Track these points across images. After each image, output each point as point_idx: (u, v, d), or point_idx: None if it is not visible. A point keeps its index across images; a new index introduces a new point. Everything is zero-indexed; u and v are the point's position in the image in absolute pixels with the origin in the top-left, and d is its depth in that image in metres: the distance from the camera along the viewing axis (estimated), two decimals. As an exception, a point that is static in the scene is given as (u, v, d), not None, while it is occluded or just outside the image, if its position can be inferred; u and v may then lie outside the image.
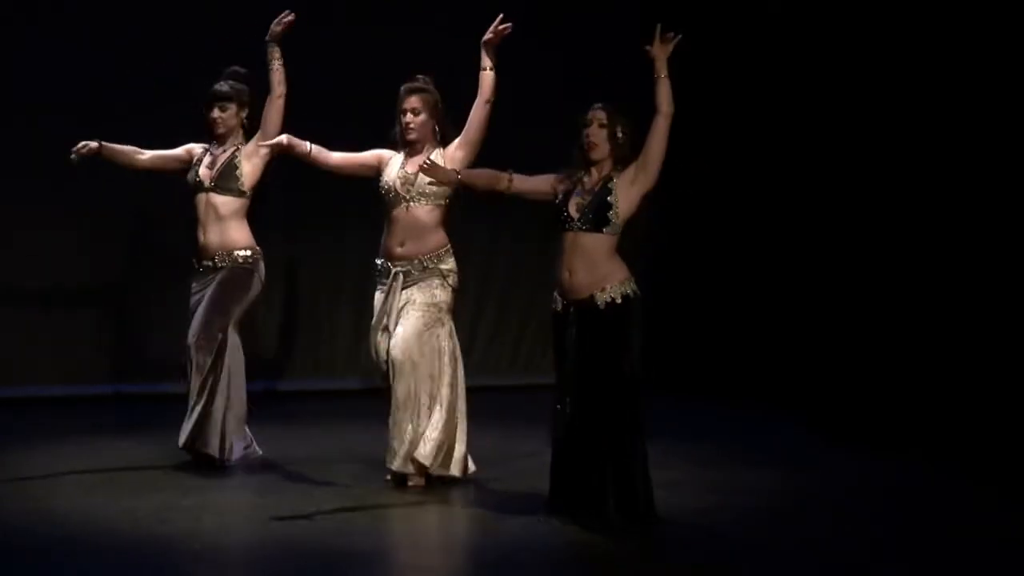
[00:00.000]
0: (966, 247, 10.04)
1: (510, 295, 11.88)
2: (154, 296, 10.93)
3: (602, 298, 6.97)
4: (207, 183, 8.40)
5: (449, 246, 7.88)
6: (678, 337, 11.94)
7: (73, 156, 8.30)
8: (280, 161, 8.31)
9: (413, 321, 7.76)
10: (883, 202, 10.56)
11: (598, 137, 7.04)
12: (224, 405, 8.31)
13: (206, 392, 8.28)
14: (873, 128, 10.61)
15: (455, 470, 7.82)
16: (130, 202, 10.70)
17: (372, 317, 7.94)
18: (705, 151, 11.14)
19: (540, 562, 6.51)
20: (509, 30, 7.66)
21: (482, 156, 7.79)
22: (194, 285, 8.51)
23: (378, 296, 7.92)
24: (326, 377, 11.50)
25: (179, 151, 8.54)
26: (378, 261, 7.95)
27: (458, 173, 7.37)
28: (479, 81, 7.74)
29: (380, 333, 7.84)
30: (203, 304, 8.38)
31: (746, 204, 11.59)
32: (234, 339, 8.39)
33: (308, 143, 7.92)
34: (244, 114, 8.47)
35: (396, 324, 7.78)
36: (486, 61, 7.72)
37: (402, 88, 7.90)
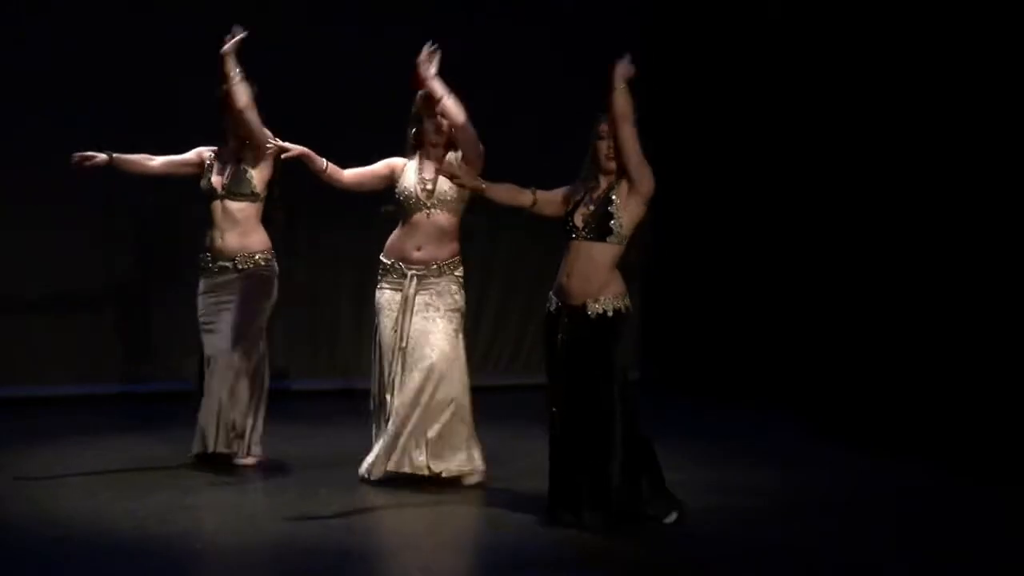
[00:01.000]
0: (965, 247, 10.04)
1: (509, 295, 11.90)
2: (157, 296, 10.95)
3: (594, 308, 6.99)
4: (220, 191, 8.40)
5: (460, 254, 7.97)
6: (678, 337, 11.95)
7: (76, 161, 8.24)
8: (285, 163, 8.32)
9: (443, 327, 7.84)
10: (881, 202, 10.56)
11: (613, 150, 7.02)
12: (265, 413, 8.43)
13: (253, 403, 8.36)
14: (870, 130, 10.61)
15: (476, 470, 7.89)
16: (131, 202, 10.69)
17: (375, 315, 7.96)
18: (705, 151, 11.15)
19: (541, 562, 6.51)
20: (438, 51, 7.71)
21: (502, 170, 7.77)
22: (203, 283, 8.48)
23: (388, 295, 7.93)
24: (325, 378, 11.51)
25: (190, 155, 8.52)
26: (387, 260, 7.97)
27: (483, 183, 7.28)
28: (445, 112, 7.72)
29: (393, 332, 7.87)
30: (231, 320, 8.35)
31: (745, 204, 11.60)
32: (263, 346, 8.45)
33: (325, 161, 7.92)
34: None
35: (410, 325, 7.83)
36: (436, 92, 7.70)
37: (422, 93, 7.84)
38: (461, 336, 7.94)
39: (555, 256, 7.17)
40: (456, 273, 7.94)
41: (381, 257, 8.01)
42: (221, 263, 8.42)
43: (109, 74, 10.76)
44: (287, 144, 7.98)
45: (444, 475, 7.80)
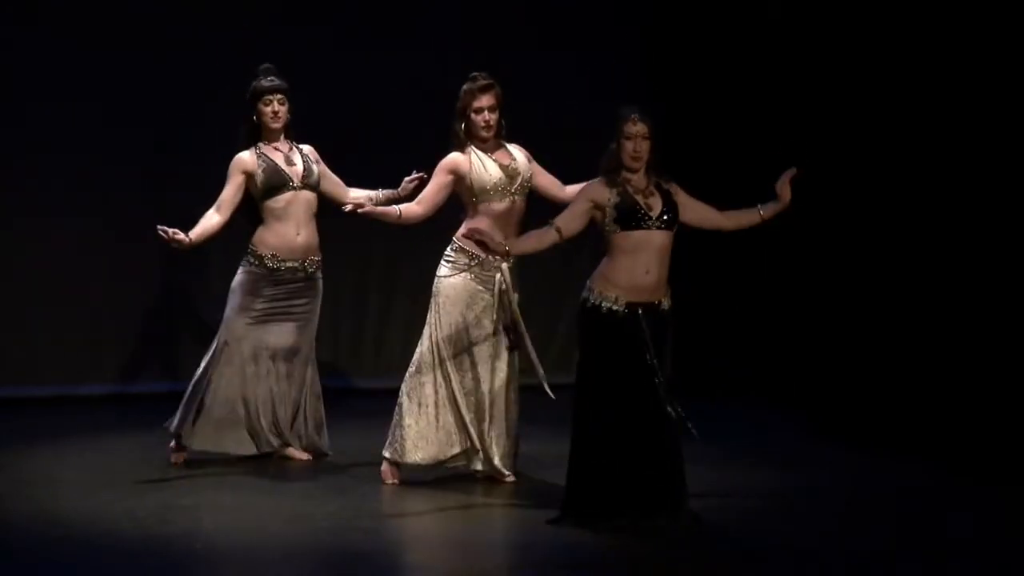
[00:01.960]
0: (966, 247, 10.04)
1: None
2: (157, 296, 10.93)
3: (666, 301, 7.02)
4: (298, 182, 8.14)
5: None
6: (677, 337, 11.91)
7: (164, 239, 7.95)
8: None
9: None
10: (881, 202, 10.55)
11: (643, 149, 6.99)
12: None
13: (318, 401, 8.51)
14: (873, 131, 10.60)
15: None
16: (131, 202, 10.68)
17: (439, 305, 7.71)
18: (705, 151, 11.14)
19: (544, 563, 6.51)
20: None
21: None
22: (268, 290, 8.19)
23: (472, 287, 7.68)
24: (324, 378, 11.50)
25: (238, 179, 8.13)
26: (477, 254, 7.58)
27: (507, 247, 7.13)
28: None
29: (487, 324, 7.70)
30: (305, 331, 8.33)
31: (744, 205, 11.57)
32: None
33: (396, 208, 7.74)
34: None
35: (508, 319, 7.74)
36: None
37: (471, 87, 7.71)
38: None
39: (567, 254, 7.10)
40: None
41: (463, 247, 7.66)
42: (290, 263, 8.16)
43: (109, 74, 10.75)
44: (371, 209, 7.80)
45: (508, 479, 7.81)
